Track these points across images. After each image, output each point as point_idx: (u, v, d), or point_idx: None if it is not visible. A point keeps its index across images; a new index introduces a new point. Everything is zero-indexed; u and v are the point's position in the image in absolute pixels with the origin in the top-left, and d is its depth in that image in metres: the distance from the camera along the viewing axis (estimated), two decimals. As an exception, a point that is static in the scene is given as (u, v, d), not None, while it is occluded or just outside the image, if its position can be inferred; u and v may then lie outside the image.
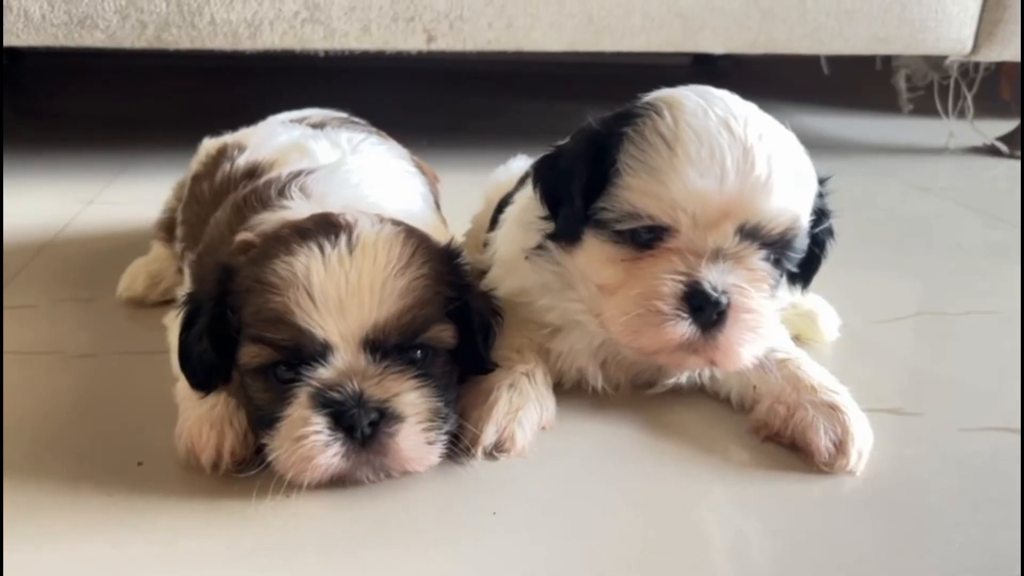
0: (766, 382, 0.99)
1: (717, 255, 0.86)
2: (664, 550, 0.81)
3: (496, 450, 0.93)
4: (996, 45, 2.21)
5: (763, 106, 0.93)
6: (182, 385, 0.98)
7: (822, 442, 0.91)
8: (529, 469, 0.92)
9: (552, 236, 0.98)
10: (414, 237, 0.92)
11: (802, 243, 0.90)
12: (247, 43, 1.85)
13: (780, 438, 0.96)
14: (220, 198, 1.16)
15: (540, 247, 1.00)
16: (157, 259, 1.38)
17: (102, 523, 0.82)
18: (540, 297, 1.03)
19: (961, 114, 2.57)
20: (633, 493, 0.89)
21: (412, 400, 0.85)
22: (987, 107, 2.59)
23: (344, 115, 1.47)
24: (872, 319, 1.34)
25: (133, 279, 1.33)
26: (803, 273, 0.97)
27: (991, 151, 2.57)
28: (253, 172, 1.17)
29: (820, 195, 0.94)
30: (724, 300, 0.86)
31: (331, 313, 0.83)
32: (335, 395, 0.83)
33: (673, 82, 0.96)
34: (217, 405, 0.93)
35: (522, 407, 0.95)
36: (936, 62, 2.56)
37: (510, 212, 1.15)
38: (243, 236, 0.97)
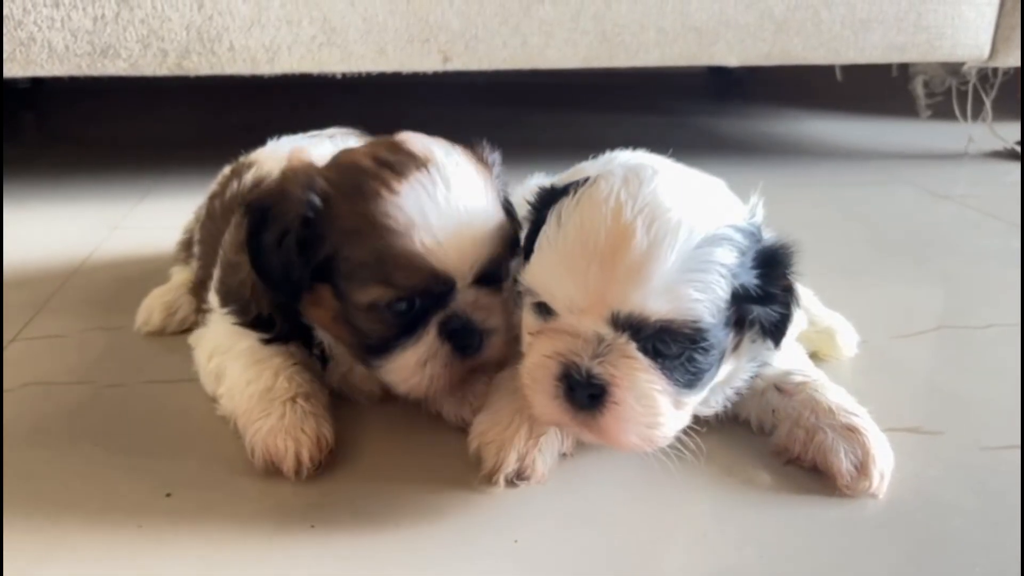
0: (785, 405, 0.99)
1: (600, 341, 0.84)
2: (686, 574, 0.82)
3: (517, 478, 0.93)
4: (1014, 50, 2.19)
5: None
6: (234, 404, 1.01)
7: (843, 465, 0.92)
8: (550, 496, 0.93)
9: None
10: (475, 162, 1.01)
11: (709, 336, 0.84)
12: (265, 68, 1.88)
13: (801, 462, 0.96)
14: (229, 215, 1.19)
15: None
16: (172, 288, 1.39)
17: (131, 555, 0.84)
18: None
19: (979, 117, 2.55)
20: (655, 518, 0.90)
21: (499, 316, 1.00)
22: (1007, 111, 2.56)
23: (359, 132, 1.49)
24: (891, 334, 1.33)
25: (149, 313, 1.34)
26: (772, 332, 0.91)
27: (1011, 155, 2.54)
28: (258, 185, 1.20)
29: (763, 275, 0.87)
30: (597, 384, 0.83)
31: (452, 254, 0.93)
32: (456, 324, 0.96)
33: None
34: (285, 414, 0.97)
35: (543, 434, 0.95)
36: (954, 67, 2.54)
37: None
38: (296, 154, 1.03)
